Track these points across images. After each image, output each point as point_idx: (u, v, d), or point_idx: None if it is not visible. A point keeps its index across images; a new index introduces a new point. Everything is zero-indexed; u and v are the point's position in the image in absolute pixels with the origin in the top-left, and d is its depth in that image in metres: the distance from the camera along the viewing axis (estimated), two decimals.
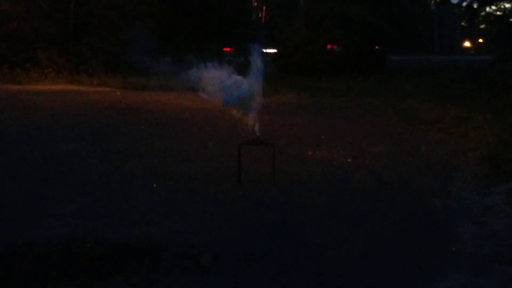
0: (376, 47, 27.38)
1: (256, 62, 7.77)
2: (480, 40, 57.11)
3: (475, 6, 27.64)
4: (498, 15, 33.32)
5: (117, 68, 26.07)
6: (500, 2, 28.40)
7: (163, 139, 11.06)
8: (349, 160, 9.30)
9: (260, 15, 42.62)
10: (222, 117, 11.45)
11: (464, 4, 29.71)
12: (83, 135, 11.70)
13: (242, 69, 8.41)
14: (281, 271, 4.96)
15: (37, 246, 5.43)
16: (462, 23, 58.44)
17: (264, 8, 42.52)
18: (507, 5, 28.17)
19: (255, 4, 42.23)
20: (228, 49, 36.30)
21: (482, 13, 36.83)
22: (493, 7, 29.51)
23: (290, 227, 6.08)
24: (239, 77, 7.74)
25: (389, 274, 4.93)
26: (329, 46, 27.07)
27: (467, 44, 62.80)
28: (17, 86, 23.62)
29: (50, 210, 6.51)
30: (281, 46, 27.59)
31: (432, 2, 52.78)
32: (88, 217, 6.32)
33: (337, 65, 25.25)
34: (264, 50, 31.61)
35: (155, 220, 6.19)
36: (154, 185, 7.64)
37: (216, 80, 7.60)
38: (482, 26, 52.86)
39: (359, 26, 26.23)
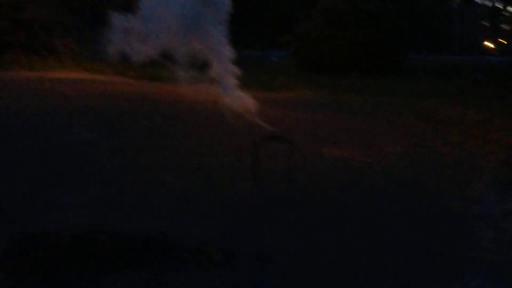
0: (396, 46, 27.02)
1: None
2: (503, 41, 56.44)
3: (499, 6, 27.26)
4: None
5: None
6: None
7: (178, 131, 10.97)
8: (366, 159, 9.15)
9: None
10: (239, 111, 11.31)
11: (489, 4, 29.32)
12: (97, 125, 11.64)
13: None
14: (294, 270, 4.85)
15: (48, 236, 5.35)
16: (485, 23, 57.96)
17: None
18: None
19: None
20: None
21: (506, 14, 36.45)
22: None
23: (304, 226, 5.95)
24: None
25: (404, 278, 4.80)
26: None
27: (488, 44, 62.13)
28: (33, 73, 23.62)
29: (62, 200, 6.43)
30: (300, 41, 27.33)
31: (458, 1, 52.21)
32: (100, 208, 6.24)
33: (356, 63, 24.98)
34: None
35: (168, 214, 6.09)
36: (169, 178, 7.54)
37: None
38: (505, 27, 52.36)
39: (379, 24, 25.96)
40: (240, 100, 8.01)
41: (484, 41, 59.68)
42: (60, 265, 4.75)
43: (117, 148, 9.35)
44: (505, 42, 54.80)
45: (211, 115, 10.60)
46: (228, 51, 7.91)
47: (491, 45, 59.18)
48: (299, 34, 27.38)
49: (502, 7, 32.87)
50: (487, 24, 56.82)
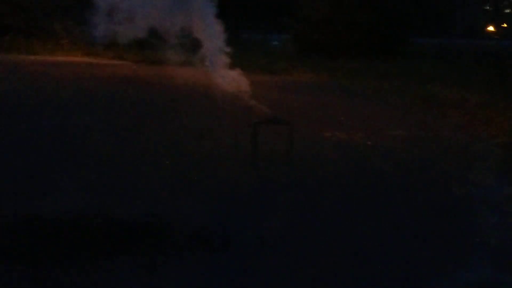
0: (398, 29, 26.77)
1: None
2: (504, 25, 56.06)
3: None
4: None
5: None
6: None
7: (177, 114, 10.83)
8: (368, 143, 9.03)
9: None
10: (239, 94, 11.19)
11: None
12: (95, 108, 11.49)
13: None
14: (293, 256, 4.75)
15: (42, 220, 5.25)
16: (487, 7, 57.57)
17: None
18: None
19: None
20: None
21: None
22: None
23: (304, 211, 5.86)
24: None
25: (406, 264, 4.71)
26: None
27: (490, 28, 61.72)
28: (32, 57, 23.40)
29: (58, 183, 6.33)
30: (300, 24, 27.08)
31: None
32: (96, 192, 6.13)
33: (358, 46, 24.77)
34: None
35: (165, 198, 5.99)
36: (167, 162, 7.42)
37: None
38: (507, 11, 52.05)
39: (381, 6, 25.71)
40: (232, 81, 7.87)
41: (486, 25, 59.30)
42: (54, 250, 4.66)
43: (114, 132, 9.22)
44: (506, 26, 54.46)
45: (210, 98, 10.47)
46: (218, 30, 7.74)
47: (493, 29, 58.80)
48: (301, 17, 27.13)
49: None
50: (489, 8, 56.49)
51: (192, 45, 8.04)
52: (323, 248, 4.95)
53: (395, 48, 26.03)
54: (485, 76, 18.80)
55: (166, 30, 7.63)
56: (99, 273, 4.30)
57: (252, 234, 5.13)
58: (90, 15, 7.47)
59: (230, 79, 7.98)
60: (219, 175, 6.92)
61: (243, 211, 5.76)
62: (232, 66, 8.36)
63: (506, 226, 5.63)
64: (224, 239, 4.99)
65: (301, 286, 4.36)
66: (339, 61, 22.84)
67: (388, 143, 9.06)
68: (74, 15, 27.71)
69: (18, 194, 6.00)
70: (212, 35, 7.76)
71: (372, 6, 25.67)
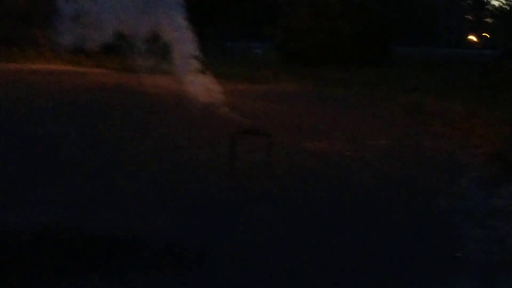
0: (381, 38, 26.74)
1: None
2: (486, 34, 56.44)
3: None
4: (505, 10, 32.87)
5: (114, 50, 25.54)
6: None
7: (155, 124, 10.63)
8: (349, 153, 8.87)
9: None
10: (220, 104, 11.01)
11: None
12: (74, 117, 11.25)
13: None
14: (271, 272, 4.55)
15: (6, 234, 5.01)
16: (468, 16, 57.95)
17: None
18: None
19: None
20: None
21: (490, 8, 36.47)
22: (502, 0, 29.16)
23: (284, 225, 5.66)
24: None
25: (388, 280, 4.53)
26: None
27: (472, 38, 62.06)
28: (12, 65, 23.11)
29: (27, 196, 6.09)
30: (283, 33, 26.99)
31: None
32: (67, 205, 5.90)
33: (341, 55, 24.70)
34: None
35: (139, 211, 5.77)
36: (142, 173, 7.20)
37: None
38: (488, 20, 52.45)
39: (365, 15, 25.68)
40: (210, 90, 7.70)
41: (468, 34, 59.64)
42: (17, 267, 4.42)
43: (91, 142, 9.00)
44: (488, 36, 54.82)
45: (188, 107, 10.27)
46: (189, 36, 7.59)
47: (475, 39, 59.17)
48: (284, 26, 27.05)
49: (486, 1, 32.88)
50: (471, 18, 56.90)
51: (169, 54, 7.89)
52: (301, 263, 4.76)
53: (379, 57, 26.01)
54: (468, 86, 18.78)
55: (137, 35, 7.45)
56: None
57: (228, 249, 4.93)
58: (56, 21, 7.26)
59: (209, 88, 7.80)
60: (195, 187, 6.72)
61: (219, 224, 5.55)
62: (214, 74, 8.21)
63: (491, 240, 5.46)
64: (198, 254, 4.78)
65: None
66: (322, 70, 22.76)
67: (370, 154, 8.90)
68: (55, 23, 27.40)
69: None
70: (184, 42, 7.60)
71: (356, 15, 25.64)
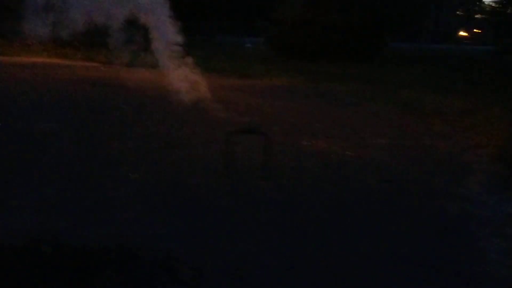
0: (376, 32, 26.36)
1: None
2: (477, 30, 56.29)
3: None
4: (496, 6, 32.65)
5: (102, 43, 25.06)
6: None
7: (146, 121, 10.17)
8: (349, 153, 8.47)
9: None
10: (214, 100, 10.60)
11: None
12: (61, 113, 10.78)
13: None
14: None
15: None
16: (458, 12, 57.76)
17: None
18: None
19: None
20: None
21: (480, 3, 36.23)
22: None
23: (284, 233, 5.24)
24: None
25: None
26: None
27: (462, 33, 61.89)
28: (12, 58, 22.54)
29: (7, 201, 5.62)
30: (276, 27, 26.53)
31: None
32: (51, 211, 5.43)
33: (334, 49, 24.31)
34: None
35: (129, 219, 5.32)
36: (131, 174, 6.76)
37: None
38: (478, 16, 52.29)
39: (358, 9, 25.28)
40: (195, 84, 7.39)
41: (459, 30, 59.44)
42: None
43: (80, 139, 8.53)
44: (479, 31, 54.66)
45: (179, 103, 9.85)
46: (175, 30, 7.25)
47: (466, 34, 59.01)
48: (276, 19, 26.59)
49: None
50: (461, 14, 56.70)
51: (158, 49, 7.53)
52: (304, 277, 4.36)
53: (372, 51, 25.67)
54: (463, 81, 18.51)
55: (124, 29, 7.11)
56: None
57: (226, 263, 4.52)
58: (38, 13, 6.86)
59: (200, 84, 7.43)
60: (189, 190, 6.30)
61: (216, 234, 5.12)
62: (205, 69, 7.88)
63: (505, 251, 5.09)
64: (194, 269, 4.36)
65: None
66: (315, 65, 22.38)
67: (371, 153, 8.51)
68: (44, 16, 26.87)
69: None
70: (173, 36, 7.28)
71: (350, 8, 25.25)
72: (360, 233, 5.33)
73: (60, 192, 6.02)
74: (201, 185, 6.45)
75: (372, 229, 5.44)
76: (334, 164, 7.86)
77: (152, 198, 5.99)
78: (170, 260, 4.45)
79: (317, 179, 7.11)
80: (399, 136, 10.00)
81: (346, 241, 5.11)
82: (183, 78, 10.21)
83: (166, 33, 8.33)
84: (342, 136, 9.67)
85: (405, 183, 7.11)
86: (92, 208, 5.59)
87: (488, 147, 9.05)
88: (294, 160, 7.89)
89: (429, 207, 6.22)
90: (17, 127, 9.27)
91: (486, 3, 41.83)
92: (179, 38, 8.78)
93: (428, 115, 12.14)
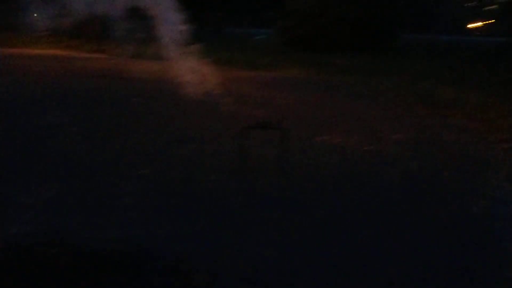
0: (387, 23, 25.98)
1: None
2: (490, 21, 55.62)
3: None
4: None
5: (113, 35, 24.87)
6: None
7: (157, 114, 9.92)
8: (367, 148, 8.17)
9: None
10: (225, 93, 10.33)
11: None
12: (69, 106, 10.55)
13: None
14: None
15: None
16: (470, 3, 57.15)
17: None
18: None
19: None
20: None
21: None
22: None
23: (300, 234, 4.96)
24: None
25: None
26: None
27: (473, 24, 61.28)
28: (7, 49, 22.36)
29: (12, 199, 5.38)
30: (287, 18, 26.18)
31: None
32: (58, 210, 5.17)
33: (346, 41, 23.96)
34: None
35: (139, 219, 5.05)
36: (141, 171, 6.49)
37: None
38: (491, 7, 51.75)
39: (370, 1, 24.91)
40: (206, 76, 7.17)
41: (469, 21, 58.84)
42: None
43: (87, 134, 8.28)
44: (490, 21, 54.05)
45: (191, 96, 9.59)
46: (179, 19, 7.03)
47: (477, 25, 58.41)
48: (286, 11, 26.25)
49: None
50: (471, 4, 56.10)
51: (169, 41, 7.31)
52: (321, 281, 4.09)
53: (384, 43, 25.32)
54: (478, 74, 18.16)
55: (135, 21, 6.90)
56: None
57: (240, 268, 4.24)
58: (37, 3, 6.65)
59: (211, 76, 7.18)
60: (202, 188, 6.02)
61: (229, 235, 4.85)
62: (215, 61, 7.63)
63: None
64: (209, 275, 4.09)
65: None
66: (326, 57, 22.07)
67: (388, 148, 8.22)
68: (52, 7, 26.66)
69: None
70: (183, 28, 7.08)
71: (360, 0, 24.90)
72: (381, 235, 5.04)
73: (65, 189, 5.76)
74: (214, 183, 6.18)
75: (399, 232, 5.15)
76: (351, 160, 7.57)
77: (162, 197, 5.72)
78: (181, 264, 4.19)
79: (334, 176, 6.82)
80: (417, 130, 9.69)
81: (365, 244, 4.83)
82: (193, 70, 9.98)
83: (175, 24, 8.15)
84: (358, 130, 9.38)
85: (426, 181, 6.81)
86: (98, 207, 5.33)
87: (507, 142, 8.72)
88: (310, 156, 7.61)
89: (453, 206, 5.93)
90: (23, 121, 9.04)
91: None
92: (188, 30, 8.62)
93: (444, 108, 11.81)
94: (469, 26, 57.15)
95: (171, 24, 8.30)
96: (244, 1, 36.02)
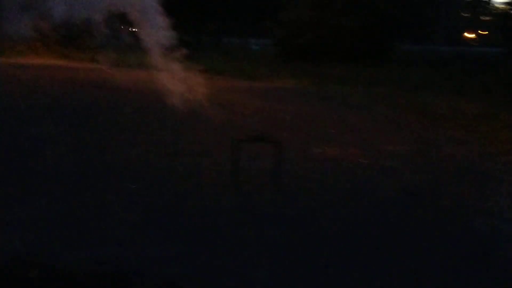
0: (384, 34, 25.85)
1: None
2: (484, 32, 55.66)
3: None
4: (508, 8, 32.17)
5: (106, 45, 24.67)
6: None
7: (149, 126, 9.69)
8: (364, 161, 7.95)
9: None
10: (219, 103, 10.12)
11: None
12: (60, 117, 10.32)
13: None
14: None
15: None
16: (466, 14, 57.23)
17: None
18: None
19: None
20: None
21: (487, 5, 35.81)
22: None
23: (297, 253, 4.73)
24: None
25: None
26: None
27: (469, 35, 61.27)
28: (2, 59, 22.11)
29: None
30: (284, 28, 26.01)
31: None
32: (41, 228, 4.90)
33: (342, 51, 23.80)
34: None
35: (128, 237, 4.78)
36: (133, 186, 6.26)
37: None
38: (486, 18, 51.79)
39: (367, 11, 24.76)
40: (199, 87, 7.00)
41: (465, 32, 58.84)
42: None
43: (77, 146, 8.05)
44: (486, 32, 54.04)
45: (187, 107, 9.36)
46: (175, 29, 6.88)
47: (472, 36, 58.39)
48: (283, 21, 26.10)
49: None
50: (467, 15, 56.18)
51: (160, 51, 7.14)
52: None
53: (381, 54, 25.17)
54: (476, 84, 18.00)
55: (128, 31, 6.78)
56: None
57: None
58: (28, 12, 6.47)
59: (204, 87, 7.00)
60: (194, 205, 5.77)
61: (224, 254, 4.59)
62: (210, 71, 7.45)
63: None
64: None
65: None
66: (322, 67, 21.88)
67: (387, 161, 8.00)
68: (47, 16, 26.42)
69: None
70: (172, 35, 6.95)
71: (358, 10, 24.75)
72: (385, 255, 4.80)
73: (51, 205, 5.51)
74: (206, 199, 5.94)
75: (399, 250, 4.93)
76: (349, 173, 7.35)
77: (152, 214, 5.48)
78: (174, 286, 3.95)
79: (331, 190, 6.60)
80: (414, 142, 9.50)
81: (362, 265, 4.59)
82: (188, 81, 9.76)
83: (171, 35, 7.99)
84: (354, 142, 9.18)
85: (427, 195, 6.59)
86: (85, 225, 5.08)
87: (509, 154, 8.53)
88: (307, 169, 7.38)
89: (454, 222, 5.71)
90: (9, 132, 8.81)
91: (495, 5, 41.40)
92: (184, 40, 8.45)
93: (442, 120, 11.64)
94: (464, 36, 57.20)
95: (165, 34, 8.14)
96: (242, 11, 35.88)
